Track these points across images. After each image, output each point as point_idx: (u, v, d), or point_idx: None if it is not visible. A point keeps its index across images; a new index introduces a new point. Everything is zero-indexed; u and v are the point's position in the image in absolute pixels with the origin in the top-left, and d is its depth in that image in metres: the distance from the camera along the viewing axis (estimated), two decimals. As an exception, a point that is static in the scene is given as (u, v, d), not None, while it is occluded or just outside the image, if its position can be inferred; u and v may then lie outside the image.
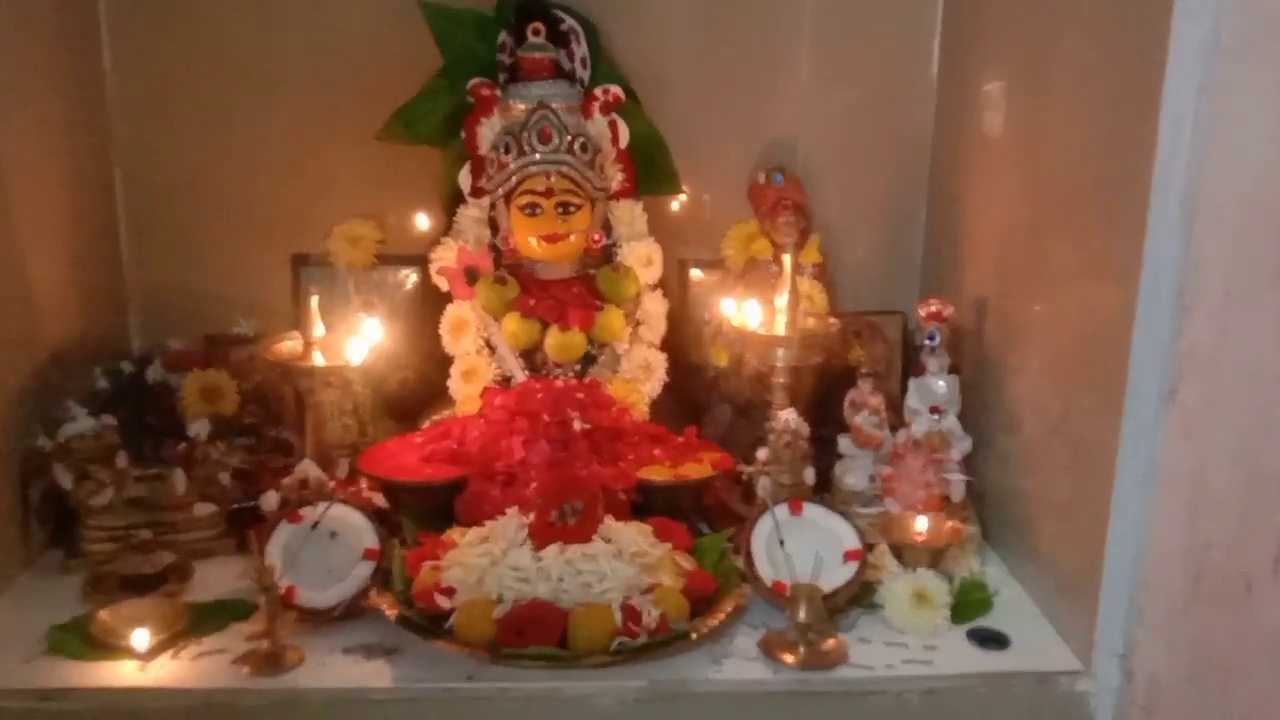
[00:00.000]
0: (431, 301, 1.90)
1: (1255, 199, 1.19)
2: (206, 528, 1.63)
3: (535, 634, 1.34)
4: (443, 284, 1.84)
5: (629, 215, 1.87)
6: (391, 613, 1.40)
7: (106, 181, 1.97)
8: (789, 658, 1.39)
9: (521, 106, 1.79)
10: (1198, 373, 1.25)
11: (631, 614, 1.37)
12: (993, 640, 1.45)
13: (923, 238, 2.09)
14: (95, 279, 1.93)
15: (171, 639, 1.39)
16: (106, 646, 1.37)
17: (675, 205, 2.04)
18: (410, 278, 2.02)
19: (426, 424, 1.83)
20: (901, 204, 2.09)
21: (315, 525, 1.46)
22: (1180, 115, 1.24)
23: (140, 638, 1.35)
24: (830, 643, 1.42)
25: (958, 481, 1.65)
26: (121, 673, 1.35)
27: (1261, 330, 1.18)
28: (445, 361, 1.85)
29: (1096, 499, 1.37)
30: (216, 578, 1.56)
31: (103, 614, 1.41)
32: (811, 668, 1.38)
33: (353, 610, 1.44)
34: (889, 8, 2.00)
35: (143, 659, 1.36)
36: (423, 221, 2.02)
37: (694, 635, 1.39)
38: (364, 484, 1.72)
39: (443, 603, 1.39)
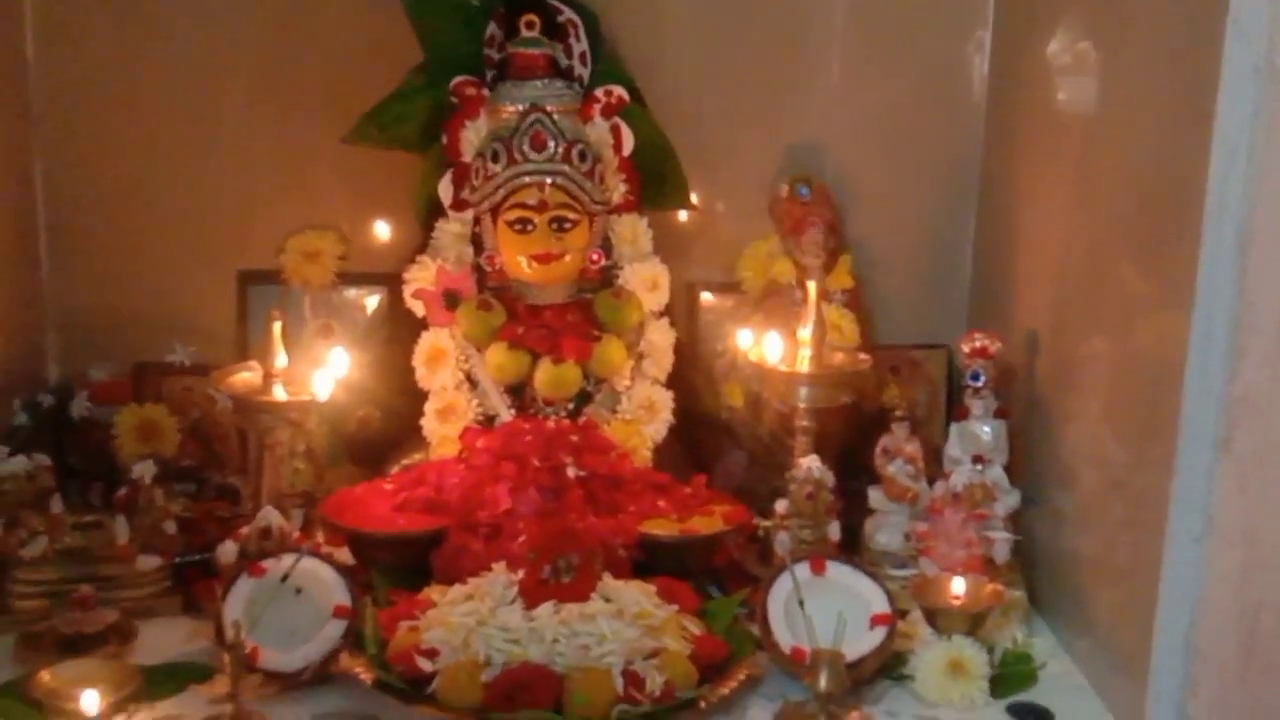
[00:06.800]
0: (401, 327, 2.15)
1: (1309, 234, 1.46)
2: (150, 583, 1.88)
3: (527, 699, 1.58)
4: (418, 308, 2.08)
5: (632, 232, 2.11)
6: (367, 677, 1.64)
7: (25, 184, 2.24)
8: (808, 731, 1.64)
9: (512, 109, 2.03)
10: (1252, 419, 1.52)
11: (634, 680, 1.61)
12: (1035, 715, 1.70)
13: (971, 259, 2.35)
14: (9, 295, 2.19)
15: (122, 702, 1.63)
16: (50, 710, 1.61)
17: (683, 219, 2.30)
18: (371, 300, 2.28)
19: (396, 468, 2.07)
20: (948, 220, 2.36)
21: (285, 578, 1.70)
22: (1234, 138, 1.51)
23: (90, 700, 1.59)
24: (854, 715, 1.64)
25: (1002, 541, 1.88)
26: (68, 739, 1.59)
27: (1315, 374, 1.44)
28: (415, 397, 2.09)
29: (1149, 559, 1.62)
30: (161, 640, 1.80)
31: (44, 675, 1.64)
32: (833, 742, 1.63)
33: (321, 674, 1.69)
34: (934, -8, 2.28)
35: (92, 724, 1.60)
36: (390, 235, 2.29)
37: (703, 704, 1.63)
38: (320, 536, 1.96)
39: (425, 665, 1.62)
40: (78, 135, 2.25)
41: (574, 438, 1.96)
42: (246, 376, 1.96)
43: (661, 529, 1.88)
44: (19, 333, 2.23)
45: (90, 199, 2.27)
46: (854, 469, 2.03)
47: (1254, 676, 1.51)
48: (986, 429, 1.93)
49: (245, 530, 1.82)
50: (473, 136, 2.05)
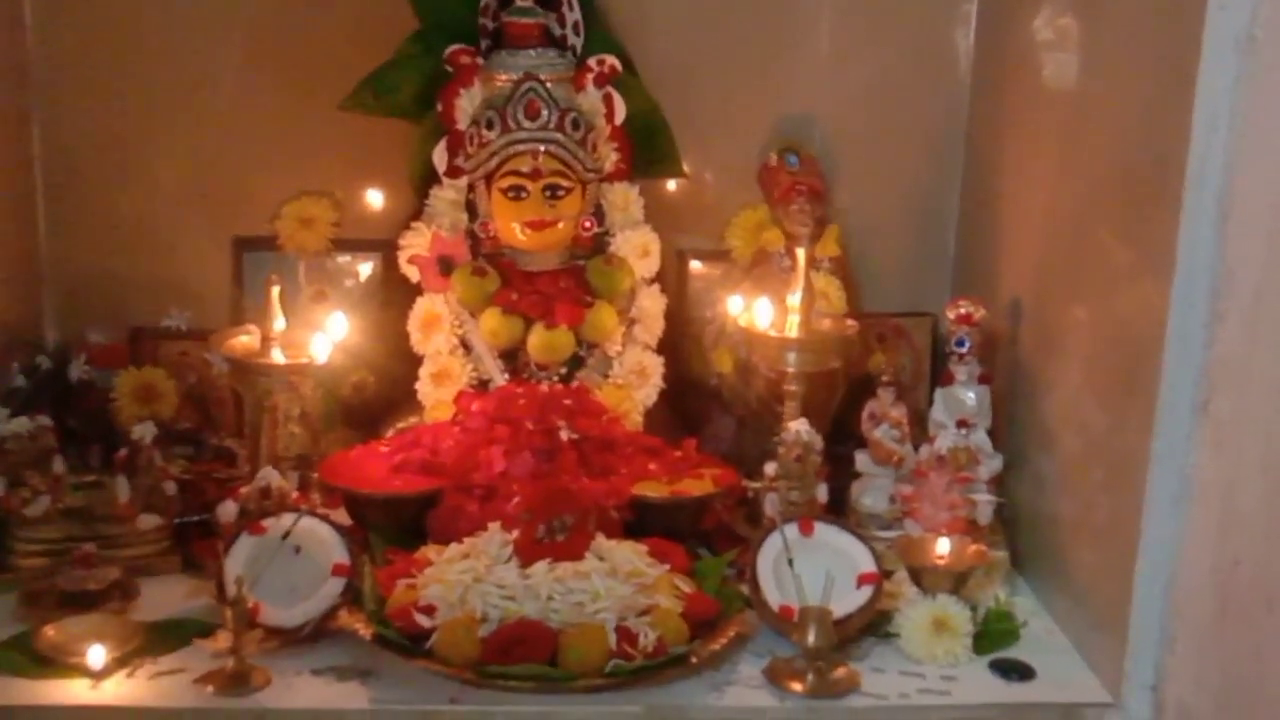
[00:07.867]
0: (396, 292, 2.19)
1: (1288, 201, 1.51)
2: (150, 542, 1.92)
3: (523, 654, 1.63)
4: (413, 274, 2.12)
5: (624, 200, 2.15)
6: (366, 632, 1.69)
7: (24, 148, 2.27)
8: (796, 685, 1.68)
9: (506, 77, 2.06)
10: (1229, 382, 1.56)
11: (626, 636, 1.66)
12: (1016, 671, 1.75)
13: (956, 229, 2.40)
14: (7, 259, 2.22)
15: (126, 657, 1.68)
16: (55, 664, 1.66)
17: (673, 187, 2.34)
18: (365, 266, 2.32)
19: (391, 432, 2.12)
20: (933, 190, 2.40)
21: (286, 536, 1.74)
22: (1215, 109, 1.55)
23: (96, 654, 1.64)
24: (841, 671, 1.71)
25: (985, 503, 1.94)
26: (73, 691, 1.63)
27: (1291, 337, 1.49)
28: (410, 361, 2.13)
29: (1128, 520, 1.67)
30: (162, 597, 1.84)
31: (48, 630, 1.69)
32: (820, 696, 1.68)
33: (320, 631, 1.73)
34: (921, -34, 2.33)
35: (96, 677, 1.64)
36: (385, 202, 2.32)
37: (694, 659, 1.68)
38: (317, 498, 1.99)
39: (423, 621, 1.67)
40: (76, 100, 2.27)
41: (567, 401, 2.00)
42: (245, 340, 2.00)
43: (652, 491, 1.93)
44: (17, 296, 2.26)
45: (88, 164, 2.29)
46: (841, 433, 2.08)
47: (1230, 633, 1.55)
48: (970, 394, 1.98)
49: (245, 490, 1.87)
50: (467, 104, 2.08)
